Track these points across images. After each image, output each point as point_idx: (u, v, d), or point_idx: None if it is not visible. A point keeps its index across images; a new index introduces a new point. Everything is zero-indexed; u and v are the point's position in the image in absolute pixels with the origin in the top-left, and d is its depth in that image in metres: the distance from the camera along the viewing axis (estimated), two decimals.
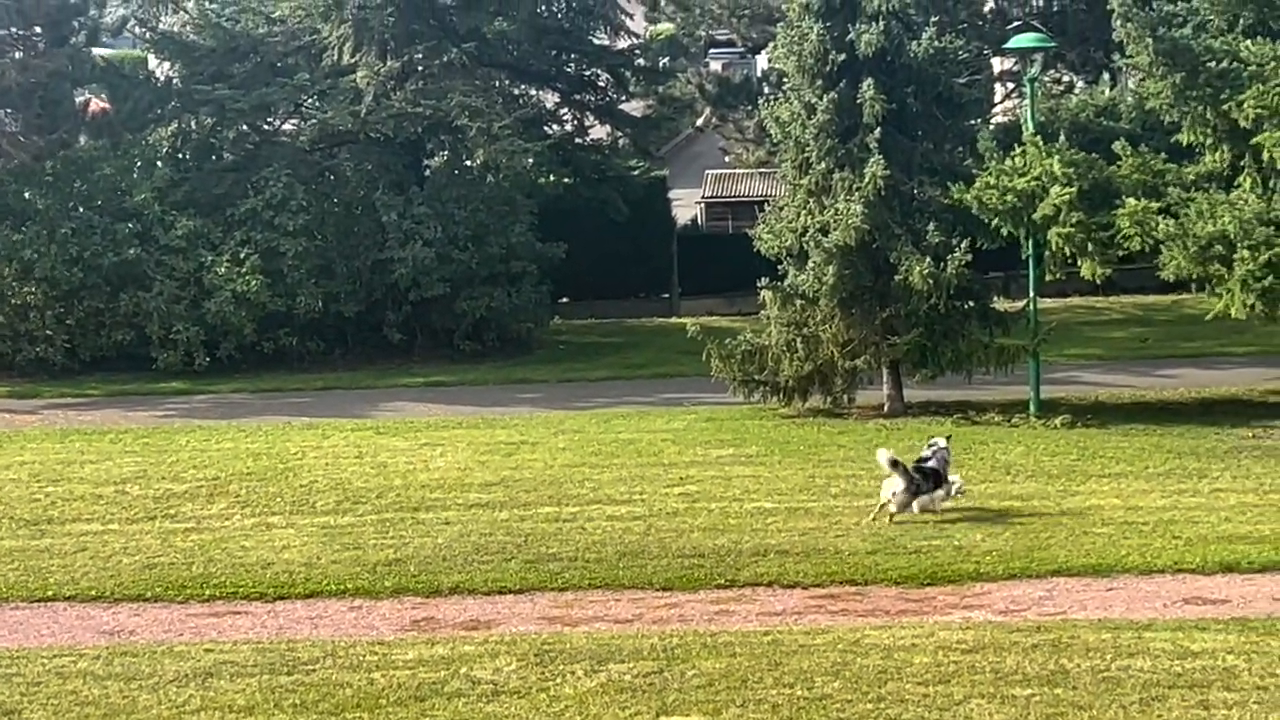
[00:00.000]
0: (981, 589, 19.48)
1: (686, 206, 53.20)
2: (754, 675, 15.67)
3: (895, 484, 22.96)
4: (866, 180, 30.84)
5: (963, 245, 30.50)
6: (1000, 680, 15.35)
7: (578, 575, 20.41)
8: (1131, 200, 28.51)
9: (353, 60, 42.00)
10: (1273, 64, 27.62)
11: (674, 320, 45.98)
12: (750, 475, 26.26)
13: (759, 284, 32.25)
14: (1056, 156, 29.27)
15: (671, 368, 38.19)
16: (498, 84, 45.41)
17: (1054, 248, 29.72)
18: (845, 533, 22.19)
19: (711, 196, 53.54)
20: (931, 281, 30.40)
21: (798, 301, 31.75)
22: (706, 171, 55.09)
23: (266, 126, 45.06)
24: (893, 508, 22.88)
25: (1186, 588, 19.31)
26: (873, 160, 30.79)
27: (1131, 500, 23.94)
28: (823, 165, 31.72)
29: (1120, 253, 29.54)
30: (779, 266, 32.79)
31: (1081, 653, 16.18)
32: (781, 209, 33.15)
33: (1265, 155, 27.46)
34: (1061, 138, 30.01)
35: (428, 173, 43.86)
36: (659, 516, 23.49)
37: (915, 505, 22.98)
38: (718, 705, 14.81)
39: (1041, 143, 29.88)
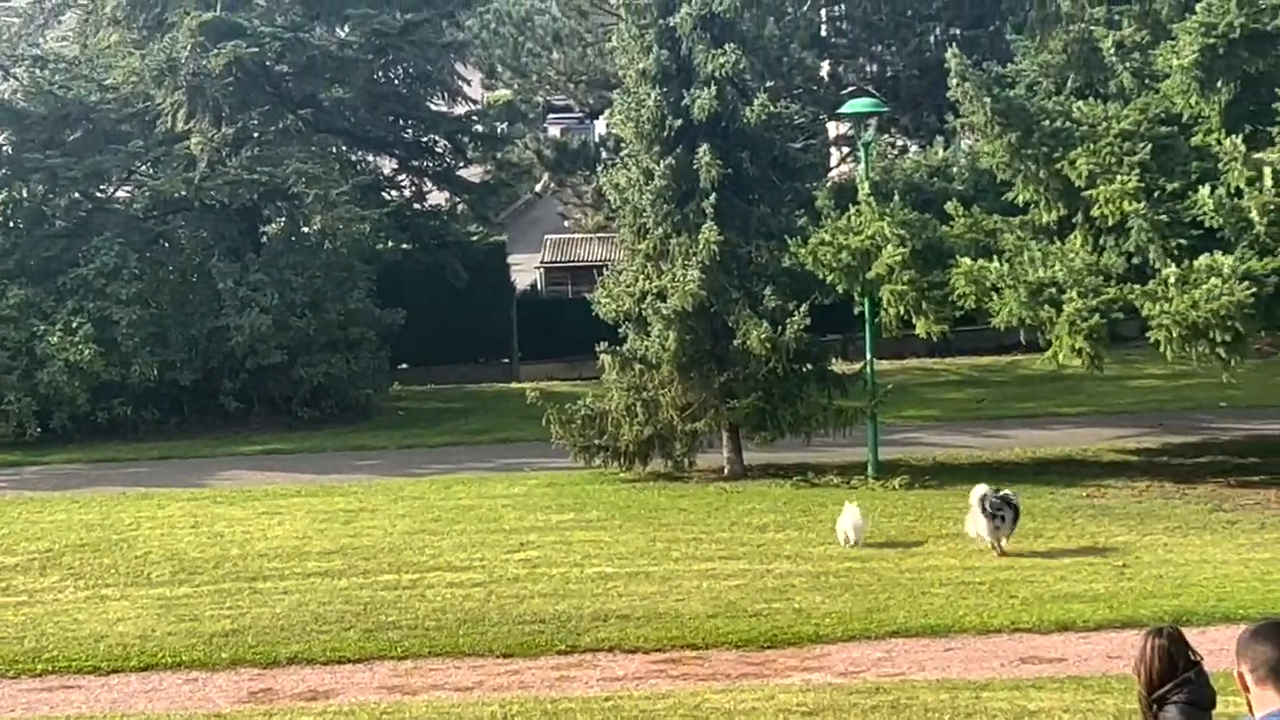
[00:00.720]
0: (821, 651, 19.55)
1: (526, 271, 53.19)
2: None
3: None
4: (703, 245, 30.96)
5: (801, 309, 30.67)
6: None
7: (418, 643, 20.27)
8: (966, 259, 28.80)
9: (187, 127, 41.62)
10: (1104, 124, 28.08)
11: (514, 385, 45.89)
12: (591, 540, 26.21)
13: (599, 349, 32.26)
14: (889, 217, 29.53)
15: (512, 433, 38.07)
16: (334, 150, 45.31)
17: (888, 306, 29.96)
18: (686, 596, 22.19)
19: (551, 261, 53.56)
20: (770, 345, 30.54)
21: (637, 366, 31.78)
22: (545, 236, 55.17)
23: (99, 194, 44.48)
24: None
25: (1023, 647, 19.48)
26: (708, 225, 30.92)
27: (968, 560, 24.13)
28: (660, 230, 31.82)
29: (955, 311, 29.80)
30: (619, 331, 32.83)
31: (920, 713, 16.28)
32: (620, 274, 33.20)
33: (1096, 211, 27.86)
34: (896, 198, 30.30)
35: (264, 239, 43.49)
36: (499, 583, 23.39)
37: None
38: None
39: (875, 202, 30.16)
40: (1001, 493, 24.86)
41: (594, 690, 18.02)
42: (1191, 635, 19.39)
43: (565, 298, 50.48)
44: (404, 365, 46.76)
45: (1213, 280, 25.85)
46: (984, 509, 24.42)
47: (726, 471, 32.05)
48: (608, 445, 32.00)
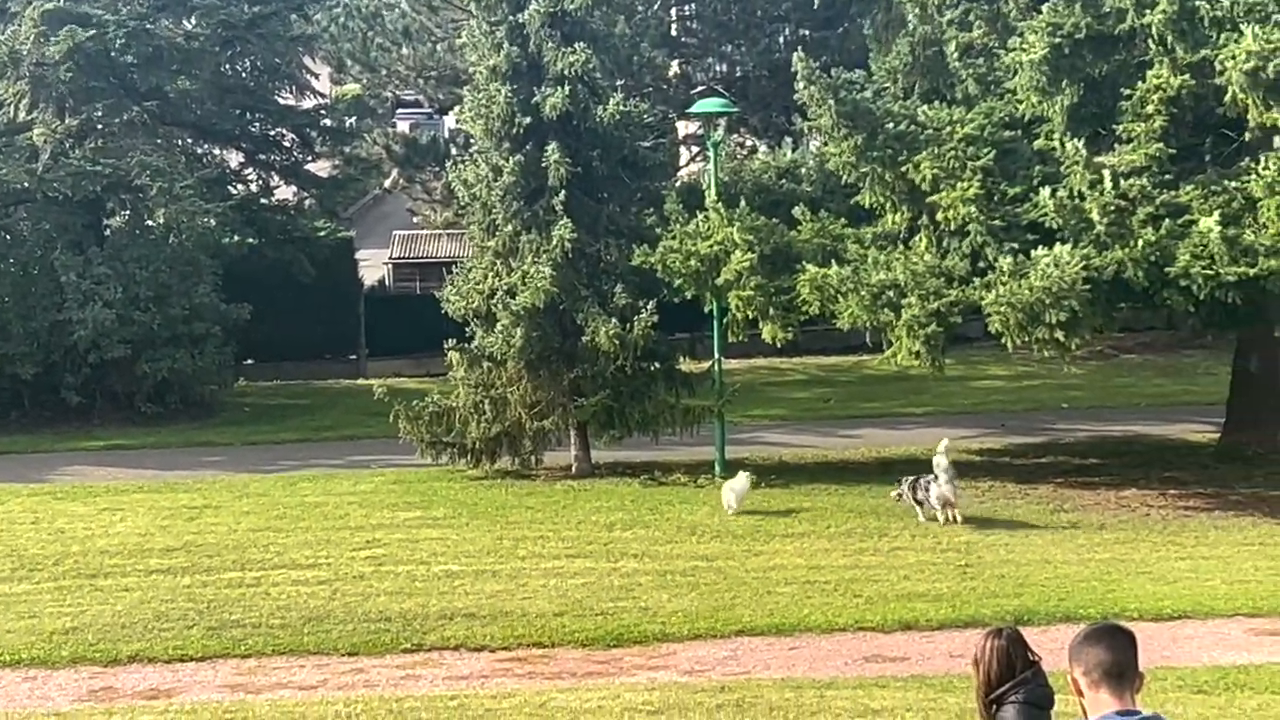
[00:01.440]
0: (668, 649, 19.62)
1: (374, 267, 52.89)
2: None
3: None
4: (553, 243, 30.94)
5: (649, 307, 30.73)
6: None
7: (261, 641, 20.11)
8: (811, 267, 28.93)
9: (29, 117, 41.03)
10: (948, 127, 28.33)
11: (361, 382, 45.56)
12: (438, 538, 26.12)
13: (447, 345, 32.14)
14: (737, 223, 29.63)
15: (359, 430, 37.82)
16: (180, 143, 44.77)
17: (736, 311, 30.10)
18: (532, 595, 22.18)
19: (399, 257, 53.33)
20: (618, 343, 30.58)
21: (485, 363, 31.70)
22: (394, 232, 54.92)
23: None
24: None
25: (867, 646, 19.64)
26: (560, 223, 30.91)
27: (814, 559, 24.30)
28: (510, 227, 31.76)
29: (801, 316, 29.97)
30: (466, 328, 32.72)
31: (765, 712, 16.36)
32: (469, 271, 33.08)
33: (940, 215, 28.10)
34: (743, 203, 30.38)
35: (108, 232, 42.90)
36: (345, 580, 23.25)
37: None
38: None
39: (723, 209, 30.23)
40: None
41: (439, 689, 17.97)
42: (1032, 635, 19.62)
43: (414, 294, 50.22)
44: (250, 361, 46.33)
45: (1045, 263, 26.11)
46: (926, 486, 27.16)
47: (574, 470, 32.03)
48: (455, 442, 31.89)
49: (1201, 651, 19.10)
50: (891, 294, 27.71)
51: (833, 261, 28.98)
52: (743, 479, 28.06)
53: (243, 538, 26.42)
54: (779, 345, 31.21)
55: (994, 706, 9.60)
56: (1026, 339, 27.17)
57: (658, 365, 32.02)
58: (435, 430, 31.93)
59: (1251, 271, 25.61)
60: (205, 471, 33.87)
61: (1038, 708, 9.56)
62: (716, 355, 32.38)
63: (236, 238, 44.98)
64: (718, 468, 31.48)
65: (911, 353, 27.67)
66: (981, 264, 27.99)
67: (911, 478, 27.79)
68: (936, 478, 27.10)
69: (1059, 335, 26.50)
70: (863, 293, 27.84)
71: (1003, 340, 27.38)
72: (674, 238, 30.44)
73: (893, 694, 17.16)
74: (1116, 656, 6.68)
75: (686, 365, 33.12)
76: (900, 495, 27.68)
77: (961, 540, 25.50)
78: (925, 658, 19.05)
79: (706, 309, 32.35)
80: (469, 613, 21.21)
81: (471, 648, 19.83)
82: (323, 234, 48.46)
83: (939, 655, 19.12)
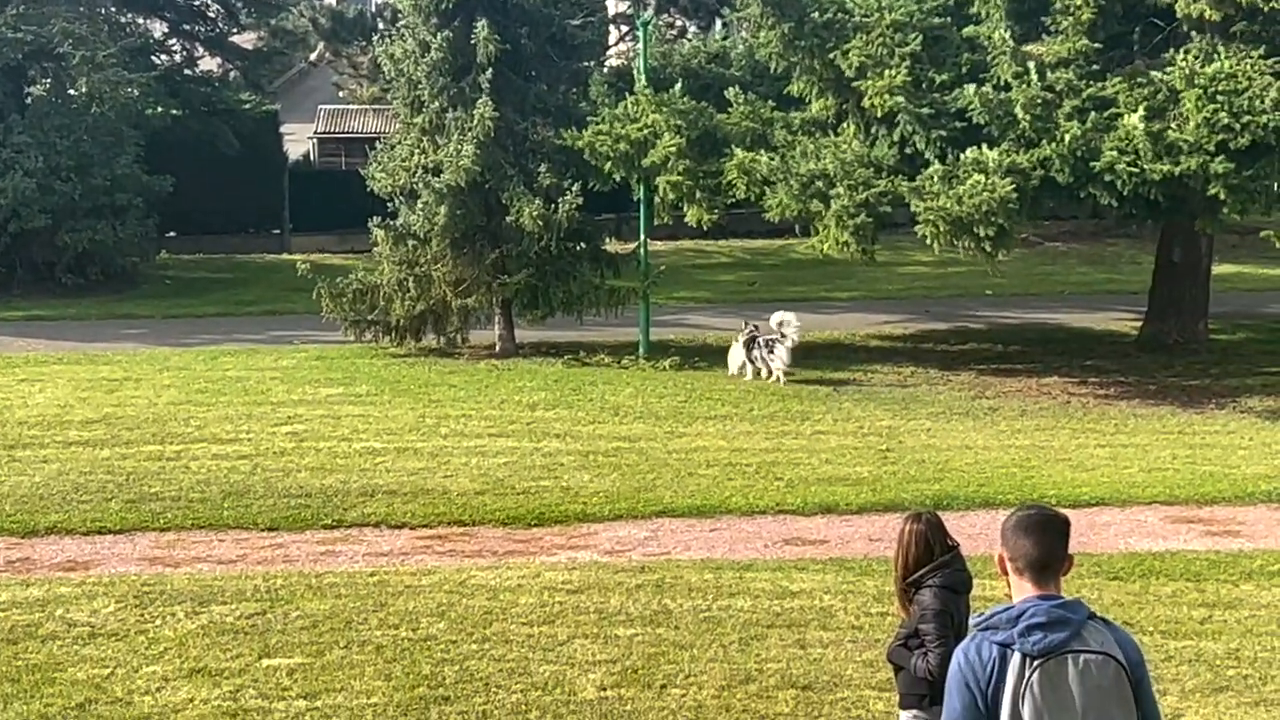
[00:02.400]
0: (588, 529, 19.63)
1: (299, 142, 52.44)
2: (359, 617, 15.57)
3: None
4: (477, 120, 30.71)
5: (574, 187, 30.61)
6: (604, 620, 15.49)
7: (180, 515, 20.02)
8: (740, 151, 28.84)
9: None
10: (876, 14, 28.20)
11: (285, 257, 45.27)
12: (360, 415, 26.04)
13: (372, 223, 31.93)
14: (665, 107, 29.48)
15: (282, 305, 37.62)
16: (103, 11, 44.07)
17: (663, 194, 30.02)
18: (454, 473, 22.16)
19: (324, 132, 52.86)
20: (543, 223, 30.46)
21: (410, 241, 31.53)
22: (319, 107, 54.41)
23: None
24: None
25: (787, 529, 19.69)
26: (483, 100, 30.66)
27: (736, 442, 24.35)
28: (436, 104, 31.51)
29: (727, 200, 29.91)
30: (390, 205, 32.50)
31: (684, 593, 16.41)
32: (394, 147, 32.85)
33: (867, 103, 28.02)
34: (677, 86, 30.24)
35: (29, 101, 42.35)
36: (265, 456, 23.15)
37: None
38: (320, 647, 14.67)
39: (652, 93, 30.07)
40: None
41: (359, 565, 17.94)
42: (952, 520, 19.75)
43: (338, 169, 49.87)
44: (172, 234, 45.89)
45: (975, 177, 26.12)
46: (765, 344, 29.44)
47: (498, 349, 31.96)
48: (379, 320, 31.78)
49: (1119, 538, 19.24)
50: (820, 184, 27.65)
51: (761, 148, 28.91)
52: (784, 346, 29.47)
53: (163, 411, 26.27)
54: (705, 228, 31.12)
55: (912, 589, 9.66)
56: (954, 245, 27.22)
57: (583, 245, 31.95)
58: (359, 308, 31.81)
59: (1175, 170, 25.67)
60: (126, 344, 33.64)
61: (954, 591, 9.64)
62: (643, 237, 32.31)
63: (160, 109, 44.48)
64: (642, 349, 31.48)
65: (840, 243, 27.64)
66: (909, 151, 27.96)
67: (751, 327, 29.87)
68: (783, 338, 29.19)
69: (986, 246, 26.58)
70: (792, 182, 27.77)
71: (929, 243, 27.36)
72: (602, 121, 30.28)
73: (811, 576, 17.23)
74: (1042, 552, 6.73)
75: (612, 246, 33.06)
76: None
77: (883, 425, 25.60)
78: (844, 541, 19.13)
79: (635, 197, 32.25)
80: (390, 490, 21.17)
81: (392, 525, 19.79)
82: (247, 107, 48.01)
83: (858, 539, 19.20)
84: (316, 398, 27.45)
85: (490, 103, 30.56)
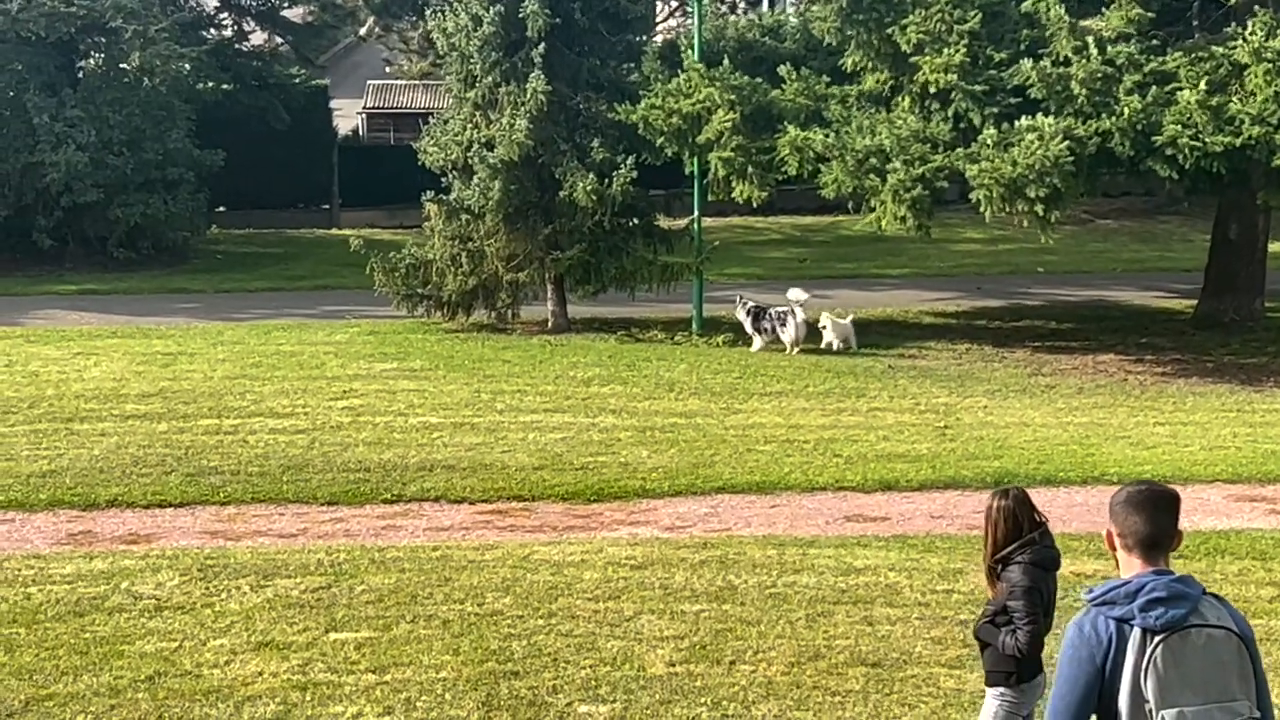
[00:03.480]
0: (648, 505, 19.57)
1: (347, 118, 52.49)
2: (424, 591, 15.52)
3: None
4: (530, 95, 30.66)
5: (628, 162, 30.54)
6: (669, 596, 15.42)
7: (240, 489, 20.01)
8: (793, 128, 28.73)
9: None
10: None
11: (334, 232, 45.38)
12: (415, 390, 26.03)
13: (421, 198, 31.92)
14: (719, 82, 29.38)
15: (333, 280, 37.68)
16: None
17: (716, 170, 29.93)
18: (511, 448, 22.11)
19: (373, 107, 52.91)
20: (596, 198, 30.43)
21: (463, 215, 31.51)
22: (368, 82, 54.46)
23: None
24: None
25: (847, 505, 19.61)
26: (535, 75, 30.61)
27: (793, 419, 24.26)
28: (489, 79, 31.48)
29: (779, 176, 29.82)
30: (443, 180, 32.47)
31: (749, 569, 16.33)
32: (446, 122, 32.85)
33: (922, 78, 27.89)
34: (725, 62, 30.12)
35: (81, 75, 42.46)
36: (323, 430, 23.16)
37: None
38: (387, 621, 14.62)
39: (705, 68, 29.97)
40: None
41: (420, 540, 17.90)
42: None
43: (387, 145, 49.91)
44: (222, 209, 46.01)
45: (1029, 138, 25.98)
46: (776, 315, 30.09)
47: (550, 325, 31.94)
48: (431, 295, 31.79)
49: (1182, 517, 19.04)
50: (876, 160, 27.53)
51: (815, 124, 28.79)
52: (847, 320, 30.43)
53: (219, 385, 26.31)
54: (755, 205, 31.01)
55: (1000, 567, 9.58)
56: (1008, 211, 27.09)
57: (636, 221, 31.90)
58: (411, 282, 31.80)
59: (1236, 141, 25.49)
60: (178, 318, 33.72)
61: (1043, 568, 9.55)
62: (696, 213, 32.24)
63: (210, 83, 44.57)
64: (695, 325, 31.44)
65: (897, 218, 27.51)
66: (964, 126, 27.82)
67: (753, 303, 30.52)
68: (794, 313, 29.86)
69: (1039, 210, 26.40)
70: (847, 159, 27.66)
71: (982, 210, 27.21)
72: (655, 96, 30.19)
73: (875, 553, 17.14)
74: (1153, 530, 6.67)
75: (665, 222, 32.98)
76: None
77: (940, 402, 25.49)
78: (906, 518, 19.03)
79: (687, 170, 32.17)
80: (448, 465, 21.13)
81: (451, 500, 19.74)
82: (297, 81, 48.11)
83: (919, 516, 19.10)
84: (371, 373, 27.45)
85: (543, 77, 30.51)
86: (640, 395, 25.79)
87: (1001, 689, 9.71)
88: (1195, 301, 33.16)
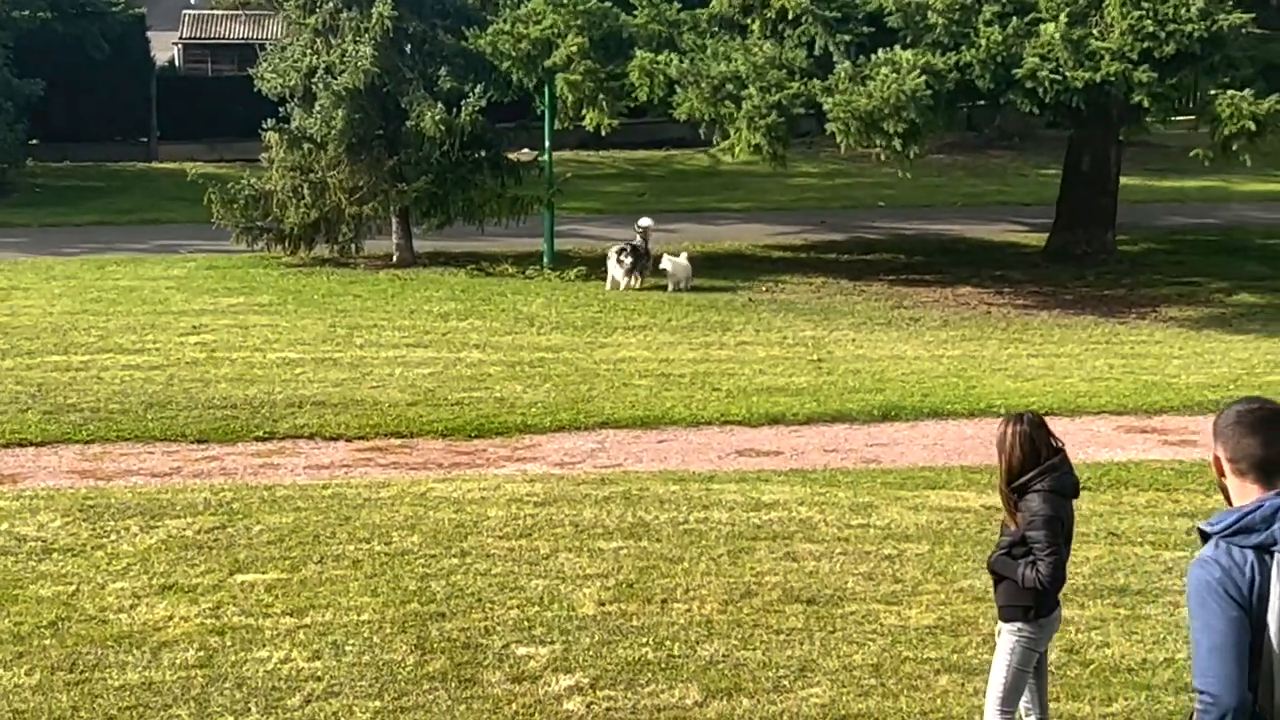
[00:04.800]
0: (532, 441, 18.98)
1: (164, 49, 50.97)
2: (325, 530, 14.81)
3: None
4: (375, 20, 29.79)
5: (477, 90, 29.79)
6: (582, 533, 14.85)
7: (102, 427, 19.12)
8: (643, 54, 28.16)
9: None
10: None
11: (155, 166, 44.01)
12: (268, 325, 25.18)
13: (265, 126, 30.85)
14: (565, 8, 28.70)
15: (161, 214, 36.49)
16: None
17: (563, 95, 29.26)
18: (381, 384, 21.41)
19: (189, 38, 51.49)
20: (444, 128, 29.64)
21: (305, 145, 30.55)
22: (184, 12, 53.00)
23: None
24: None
25: (736, 439, 19.16)
26: (380, 1, 29.72)
27: (661, 353, 23.78)
28: (330, 4, 30.54)
29: (630, 103, 29.26)
30: (280, 109, 31.45)
31: (656, 505, 15.81)
32: (284, 49, 31.79)
33: (778, 2, 27.40)
34: None
35: None
36: (178, 366, 22.27)
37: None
38: (294, 562, 13.91)
39: None
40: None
41: (301, 478, 17.16)
42: (903, 430, 19.39)
43: (205, 76, 48.56)
44: (35, 141, 44.37)
45: (885, 70, 25.62)
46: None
47: (395, 259, 31.13)
48: (271, 228, 30.84)
49: (1077, 449, 18.69)
50: (732, 86, 27.02)
51: (668, 51, 28.23)
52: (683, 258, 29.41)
53: (60, 320, 25.28)
54: (603, 133, 30.37)
55: (1017, 495, 9.10)
56: (865, 145, 26.77)
57: (484, 153, 31.10)
58: (251, 215, 30.86)
59: (1096, 77, 25.31)
60: (4, 253, 32.37)
61: (1063, 496, 9.10)
62: (546, 144, 31.58)
63: (27, 11, 42.94)
64: (546, 259, 30.78)
65: (751, 145, 27.01)
66: (818, 53, 27.38)
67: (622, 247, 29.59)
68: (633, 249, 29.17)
69: (896, 144, 26.06)
70: (702, 84, 27.12)
71: (839, 143, 26.83)
72: (505, 21, 29.45)
73: (779, 488, 16.67)
74: (1271, 450, 6.09)
75: (514, 156, 32.26)
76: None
77: (807, 335, 25.14)
78: (799, 452, 18.60)
79: (535, 106, 31.53)
80: (318, 401, 20.38)
81: (326, 437, 19.02)
82: (115, 9, 46.53)
83: (812, 450, 18.69)
84: (219, 307, 26.53)
85: (388, 1, 29.60)
86: (501, 330, 25.16)
87: (1019, 624, 9.24)
88: (1041, 235, 33.12)
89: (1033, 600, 9.14)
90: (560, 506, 15.69)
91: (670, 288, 28.57)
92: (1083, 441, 19.21)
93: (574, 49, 28.50)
